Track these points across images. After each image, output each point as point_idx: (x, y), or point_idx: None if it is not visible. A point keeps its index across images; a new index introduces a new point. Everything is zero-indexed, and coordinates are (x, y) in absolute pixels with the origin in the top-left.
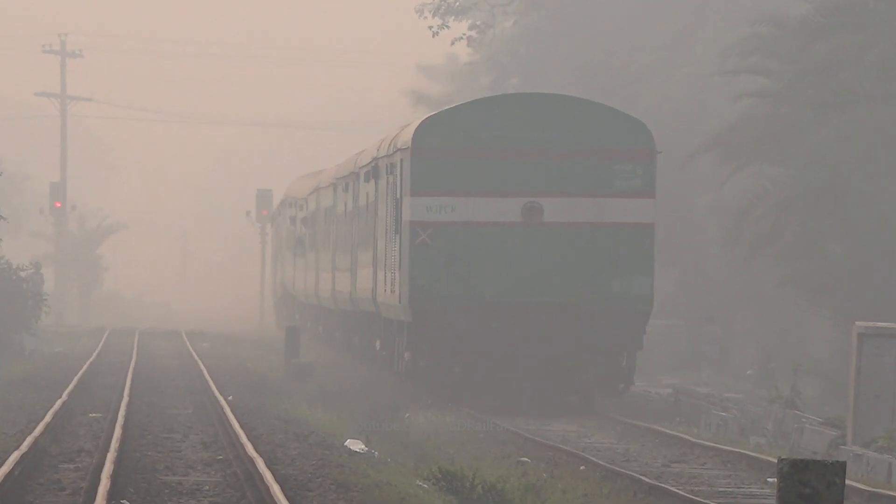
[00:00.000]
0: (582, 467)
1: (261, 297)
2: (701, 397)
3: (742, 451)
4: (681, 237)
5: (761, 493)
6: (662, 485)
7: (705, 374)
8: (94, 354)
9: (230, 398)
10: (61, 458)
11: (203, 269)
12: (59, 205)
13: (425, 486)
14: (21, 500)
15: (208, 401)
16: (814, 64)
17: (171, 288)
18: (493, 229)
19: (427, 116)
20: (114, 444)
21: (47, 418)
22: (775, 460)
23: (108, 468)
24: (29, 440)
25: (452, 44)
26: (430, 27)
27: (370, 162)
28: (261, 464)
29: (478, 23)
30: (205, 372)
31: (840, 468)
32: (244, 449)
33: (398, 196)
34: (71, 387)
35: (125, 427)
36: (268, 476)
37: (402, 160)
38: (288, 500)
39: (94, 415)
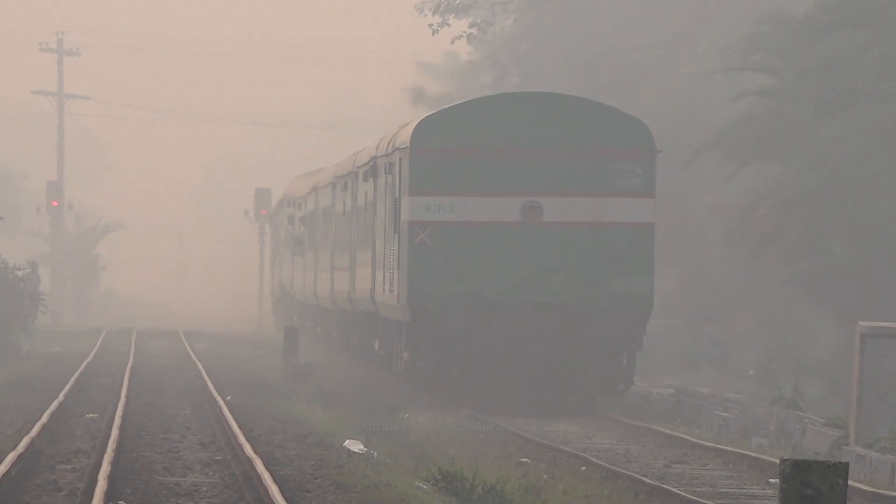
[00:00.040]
0: (583, 468)
1: (259, 297)
2: (702, 398)
3: (744, 451)
4: (682, 237)
5: (763, 494)
6: (664, 486)
7: (706, 374)
8: (92, 354)
9: (228, 398)
10: (58, 459)
11: (201, 268)
12: (55, 204)
13: (425, 487)
14: (17, 501)
15: (206, 401)
16: (816, 62)
17: (169, 287)
18: (492, 229)
19: (426, 116)
20: (111, 445)
21: (44, 419)
22: (777, 461)
23: (105, 469)
24: (25, 441)
25: (452, 42)
26: (430, 25)
27: (369, 161)
28: (259, 464)
29: (478, 21)
30: (203, 372)
31: (843, 469)
32: (242, 449)
33: (397, 195)
34: (68, 387)
35: (122, 428)
36: (266, 477)
37: (400, 159)
38: (286, 501)
39: (91, 415)
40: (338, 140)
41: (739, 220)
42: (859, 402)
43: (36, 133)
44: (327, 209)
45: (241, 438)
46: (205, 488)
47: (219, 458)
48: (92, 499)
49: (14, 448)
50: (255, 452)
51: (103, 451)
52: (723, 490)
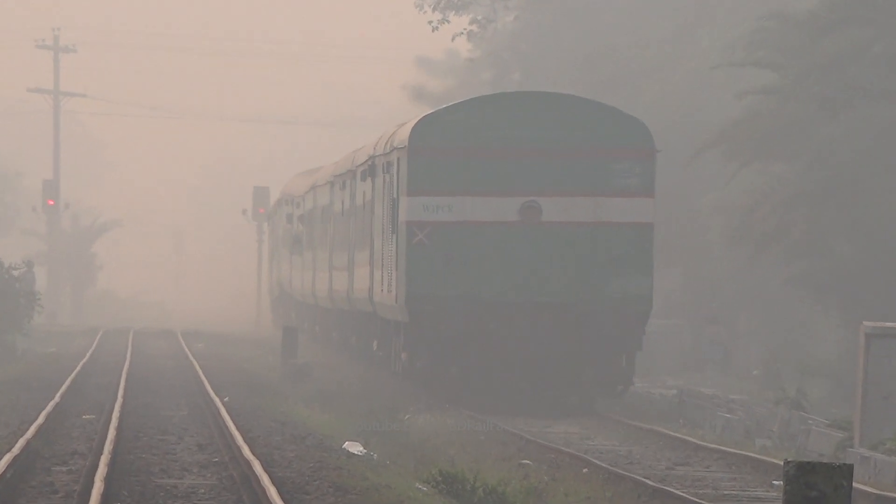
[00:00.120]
0: (585, 470)
1: (257, 297)
2: (705, 399)
3: (747, 453)
4: (684, 236)
5: (767, 496)
6: (666, 488)
7: (709, 375)
8: (88, 355)
9: (226, 399)
10: (54, 461)
11: (199, 267)
12: (51, 202)
13: (425, 488)
14: (13, 502)
15: (204, 402)
16: (820, 59)
17: (167, 287)
18: (490, 229)
19: (424, 115)
20: (107, 447)
21: (40, 420)
22: (781, 463)
23: (101, 471)
24: (21, 442)
25: (453, 39)
26: (430, 22)
27: (367, 160)
28: (258, 466)
29: (478, 17)
30: (200, 372)
31: (847, 471)
32: (240, 451)
33: (395, 195)
34: (64, 388)
35: (119, 429)
36: (265, 479)
37: (398, 159)
38: (285, 503)
39: (87, 416)
40: (337, 139)
41: (741, 219)
42: (864, 403)
43: (32, 131)
44: (326, 208)
45: (239, 440)
46: (202, 490)
47: (216, 459)
48: (88, 501)
49: (10, 449)
50: (254, 454)
51: (100, 453)
52: (726, 492)
